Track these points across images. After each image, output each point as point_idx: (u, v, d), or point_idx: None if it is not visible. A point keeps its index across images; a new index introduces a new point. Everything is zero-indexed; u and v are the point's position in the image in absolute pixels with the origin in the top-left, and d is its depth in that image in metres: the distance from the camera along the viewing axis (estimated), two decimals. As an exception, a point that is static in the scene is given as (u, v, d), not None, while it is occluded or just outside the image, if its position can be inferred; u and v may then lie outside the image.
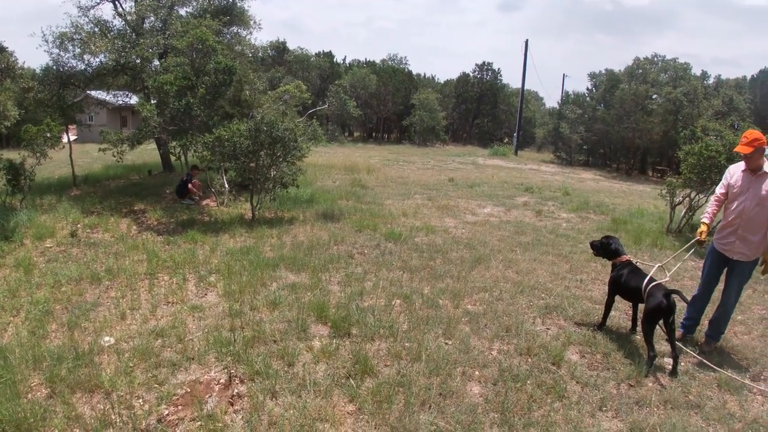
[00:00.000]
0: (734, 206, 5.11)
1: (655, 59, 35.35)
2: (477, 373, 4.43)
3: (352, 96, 41.88)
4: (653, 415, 4.14)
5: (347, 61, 53.31)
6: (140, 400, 3.93)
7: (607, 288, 5.58)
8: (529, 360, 4.73)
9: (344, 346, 4.67)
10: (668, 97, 31.28)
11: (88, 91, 17.20)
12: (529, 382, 4.35)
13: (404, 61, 56.61)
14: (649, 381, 4.65)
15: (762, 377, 5.12)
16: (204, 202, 11.47)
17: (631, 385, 4.53)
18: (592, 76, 38.27)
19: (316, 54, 47.43)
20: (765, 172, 4.89)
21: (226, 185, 11.60)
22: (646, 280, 4.95)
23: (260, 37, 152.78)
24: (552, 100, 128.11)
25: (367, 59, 53.23)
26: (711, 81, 37.80)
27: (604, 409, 4.15)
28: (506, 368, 4.50)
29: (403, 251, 7.70)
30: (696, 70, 35.27)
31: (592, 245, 5.65)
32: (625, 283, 5.20)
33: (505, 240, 8.85)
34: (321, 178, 15.34)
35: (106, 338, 4.91)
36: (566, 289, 6.66)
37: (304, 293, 5.90)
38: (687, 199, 10.59)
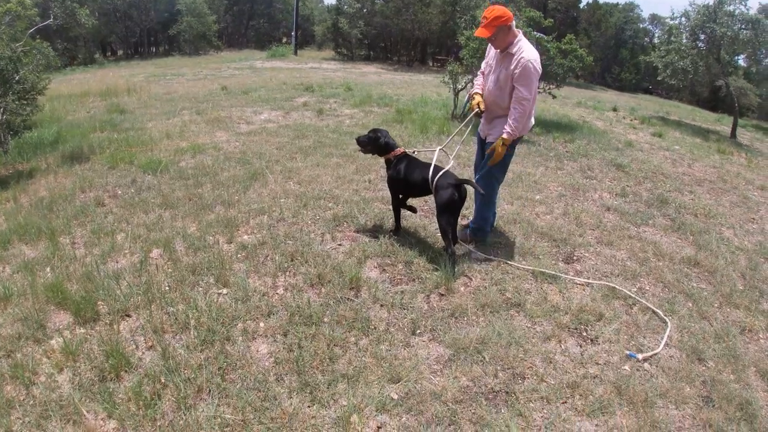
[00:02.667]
0: (487, 84, 4.57)
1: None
2: (262, 325, 3.54)
3: (108, 8, 36.25)
4: (473, 325, 3.65)
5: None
6: None
7: (388, 188, 4.89)
8: (323, 291, 3.96)
9: (92, 336, 3.43)
10: None
11: None
12: (326, 320, 3.59)
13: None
14: (460, 284, 4.18)
15: (574, 257, 4.94)
16: None
17: (442, 294, 4.02)
18: None
19: None
20: (510, 53, 4.23)
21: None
22: (431, 171, 4.31)
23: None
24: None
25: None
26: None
27: (419, 332, 3.58)
28: (296, 310, 3.67)
29: (164, 183, 6.30)
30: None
31: (359, 141, 4.80)
32: (406, 178, 4.54)
33: (284, 147, 7.83)
34: (73, 110, 12.66)
35: None
36: (355, 193, 5.96)
37: (41, 271, 4.44)
38: (470, 84, 10.50)
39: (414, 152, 4.83)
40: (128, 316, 3.65)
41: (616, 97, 24.94)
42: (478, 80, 4.73)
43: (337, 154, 7.46)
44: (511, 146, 4.53)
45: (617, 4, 45.44)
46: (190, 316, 3.54)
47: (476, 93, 4.65)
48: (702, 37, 15.84)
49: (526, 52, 4.15)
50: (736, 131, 15.93)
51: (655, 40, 45.49)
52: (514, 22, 4.22)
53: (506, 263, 4.61)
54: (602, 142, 10.22)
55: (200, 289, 3.92)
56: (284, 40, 47.45)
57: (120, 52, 44.04)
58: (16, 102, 8.37)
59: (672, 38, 17.41)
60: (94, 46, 37.80)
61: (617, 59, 38.57)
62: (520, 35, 4.26)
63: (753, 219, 7.14)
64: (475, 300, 3.99)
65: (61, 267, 4.39)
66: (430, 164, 4.41)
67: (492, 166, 4.56)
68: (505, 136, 4.25)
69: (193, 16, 38.28)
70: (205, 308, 3.62)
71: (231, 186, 6.06)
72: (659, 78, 18.30)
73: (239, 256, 4.44)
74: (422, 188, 4.53)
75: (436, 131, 9.26)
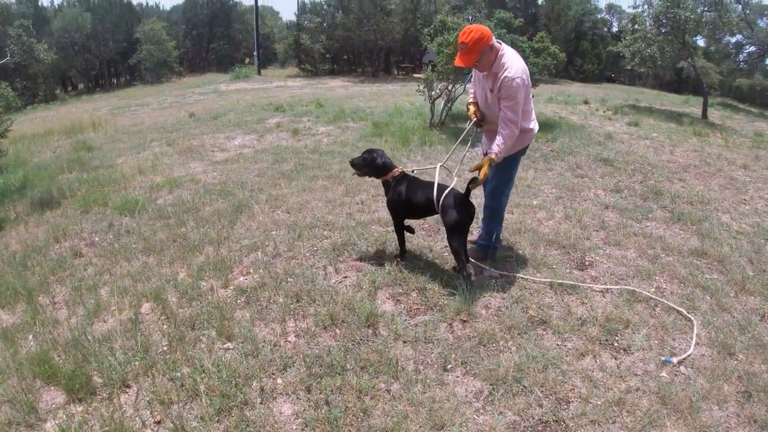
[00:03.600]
0: (477, 95, 4.29)
1: (386, -40, 34.76)
2: (279, 381, 3.15)
3: (67, 41, 35.25)
4: (504, 351, 3.39)
5: (56, 3, 44.59)
6: None
7: (389, 212, 4.55)
8: (338, 333, 3.60)
9: (92, 415, 2.98)
10: None
11: None
12: (349, 367, 3.22)
13: (120, -9, 48.88)
14: (480, 308, 3.90)
15: (587, 263, 4.71)
16: None
17: (464, 321, 3.73)
18: None
19: (17, 1, 38.66)
20: (493, 72, 3.89)
21: None
22: (436, 191, 4.00)
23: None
24: (288, 13, 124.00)
25: (78, -5, 44.91)
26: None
27: (450, 367, 3.27)
28: (314, 359, 3.30)
29: (144, 224, 5.82)
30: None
31: (354, 164, 4.46)
32: (409, 199, 4.22)
33: (265, 173, 7.39)
34: (38, 151, 12.00)
35: None
36: (349, 217, 5.61)
37: (23, 340, 3.98)
38: (446, 91, 10.28)
39: (413, 171, 4.52)
40: (128, 387, 3.22)
41: (583, 89, 24.98)
42: (472, 88, 4.44)
43: (322, 176, 7.10)
44: (513, 160, 4.26)
45: (574, -5, 45.94)
46: (198, 380, 3.13)
47: (471, 102, 4.36)
48: (664, 21, 15.88)
49: (510, 68, 3.81)
50: (707, 111, 15.99)
51: (614, 29, 46.22)
52: (494, 37, 3.92)
53: (522, 278, 4.35)
54: (583, 137, 10.07)
55: (203, 345, 3.52)
56: (246, 60, 46.79)
57: (81, 86, 42.93)
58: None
59: (636, 26, 17.51)
60: (54, 82, 36.76)
61: (579, 51, 38.83)
62: (502, 48, 3.92)
63: (744, 200, 7.10)
64: (499, 323, 3.72)
65: (44, 333, 3.94)
66: (433, 183, 4.09)
67: (498, 180, 4.28)
68: (492, 155, 3.90)
69: (152, 43, 37.56)
70: (213, 369, 3.22)
71: (216, 222, 5.64)
72: (628, 67, 18.38)
73: (239, 302, 4.04)
74: (426, 209, 4.24)
75: (417, 142, 8.97)
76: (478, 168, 3.91)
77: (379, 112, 12.61)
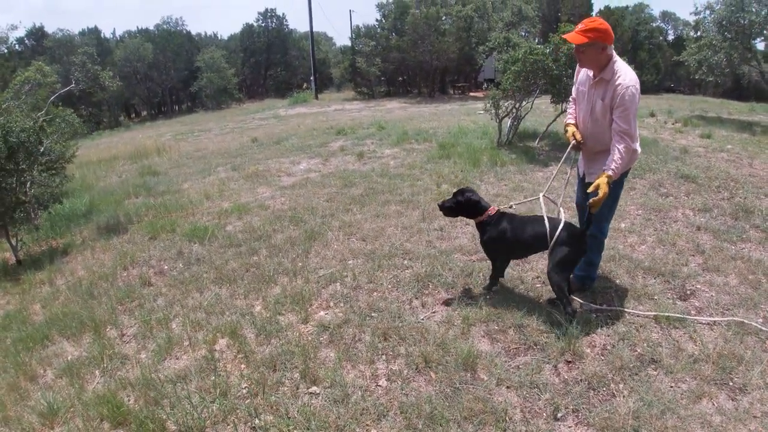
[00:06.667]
0: (580, 114, 3.90)
1: (437, -21, 34.98)
2: (374, 433, 2.78)
3: (129, 70, 36.88)
4: (616, 395, 3.00)
5: (118, 34, 46.97)
6: None
7: (485, 252, 4.16)
8: (433, 376, 3.21)
9: None
10: (459, 15, 31.60)
11: None
12: (450, 418, 2.84)
13: (181, 23, 51.15)
14: (585, 346, 3.47)
15: (688, 292, 4.20)
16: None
17: (570, 362, 3.31)
18: (380, 6, 37.02)
19: (80, 33, 40.91)
20: (605, 79, 3.55)
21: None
22: (548, 226, 3.62)
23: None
24: (343, 38, 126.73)
25: (140, 27, 47.23)
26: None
27: (561, 416, 2.87)
28: (411, 408, 2.93)
29: (214, 252, 5.64)
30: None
31: (444, 208, 4.07)
32: (516, 238, 3.84)
33: (335, 198, 7.14)
34: (103, 176, 12.29)
35: None
36: (429, 245, 5.23)
37: (88, 376, 3.78)
38: (513, 109, 9.90)
39: (511, 206, 4.14)
40: (204, 436, 2.92)
41: (644, 101, 23.90)
42: (571, 108, 4.06)
43: (394, 201, 6.78)
44: (619, 181, 3.81)
45: (627, 6, 44.83)
46: (284, 430, 2.80)
47: (569, 123, 3.96)
48: (728, 26, 15.07)
49: (624, 76, 3.47)
50: (777, 118, 14.98)
51: (670, 37, 44.70)
52: (612, 46, 3.54)
53: (625, 312, 3.90)
54: (658, 152, 9.42)
55: (286, 389, 3.19)
56: (304, 85, 47.77)
57: (144, 113, 44.85)
58: (44, 174, 7.92)
59: (700, 33, 16.72)
60: (118, 109, 38.52)
61: (636, 62, 37.62)
62: (615, 56, 3.57)
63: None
64: (608, 363, 3.29)
65: (111, 369, 3.74)
66: (542, 218, 3.72)
67: (603, 204, 3.82)
68: (609, 173, 3.49)
69: (212, 71, 38.84)
70: (300, 417, 2.88)
71: (289, 250, 5.38)
72: (697, 77, 17.49)
73: (322, 339, 3.72)
74: (535, 247, 3.87)
75: (487, 162, 8.56)
76: (596, 187, 3.50)
77: (442, 132, 12.25)
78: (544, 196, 3.92)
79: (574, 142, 3.84)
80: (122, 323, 4.46)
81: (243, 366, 3.50)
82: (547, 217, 3.68)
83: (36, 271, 6.26)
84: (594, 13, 42.09)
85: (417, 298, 4.22)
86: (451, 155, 9.30)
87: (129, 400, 3.33)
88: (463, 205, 3.97)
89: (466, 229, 5.56)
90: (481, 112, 10.50)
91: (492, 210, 3.94)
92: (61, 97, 13.89)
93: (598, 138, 3.75)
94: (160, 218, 7.20)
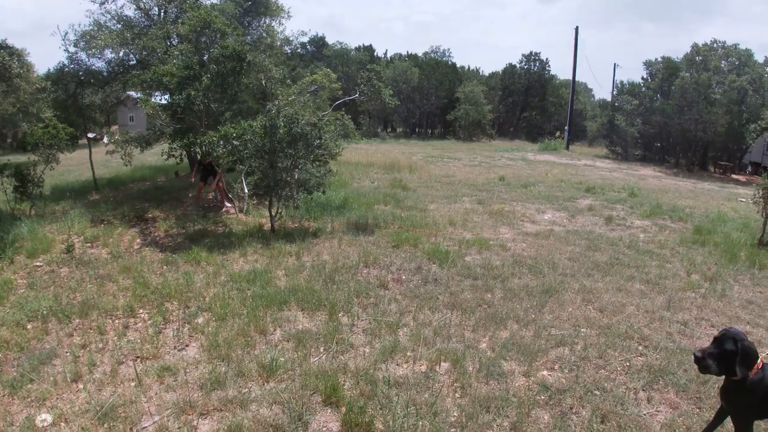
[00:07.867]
0: None
1: (715, 45, 31.92)
2: None
3: (394, 90, 40.03)
4: None
5: (388, 55, 51.33)
6: None
7: (737, 414, 2.98)
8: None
9: None
10: (732, 86, 28.13)
11: (128, 92, 15.88)
12: None
13: (447, 54, 54.04)
14: None
15: None
16: (223, 209, 9.86)
17: None
18: (648, 64, 34.72)
19: (356, 48, 45.67)
20: None
21: (246, 189, 9.72)
22: None
23: (293, 27, 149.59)
24: (602, 92, 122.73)
25: (409, 52, 51.05)
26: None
27: None
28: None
29: (451, 278, 5.82)
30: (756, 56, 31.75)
31: (700, 361, 2.84)
32: None
33: (577, 259, 6.87)
34: (358, 177, 13.57)
35: (43, 416, 3.49)
36: (668, 337, 4.74)
37: (313, 349, 4.19)
38: None
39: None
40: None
41: None
42: None
43: (639, 279, 6.28)
44: None
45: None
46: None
47: None
48: None
49: None
50: None
51: None
52: None
53: None
54: None
55: (493, 433, 3.16)
56: (557, 134, 46.99)
57: (399, 130, 48.07)
58: (315, 163, 8.90)
59: None
60: (378, 122, 41.70)
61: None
62: None
63: None
64: None
65: (336, 351, 4.07)
66: None
67: None
68: None
69: (470, 104, 40.20)
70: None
71: (524, 298, 5.32)
72: None
73: (539, 399, 3.59)
74: None
75: (745, 261, 7.36)
76: None
77: (698, 214, 11.00)
78: None
79: None
80: (355, 314, 4.83)
81: (458, 395, 3.54)
82: None
83: (285, 244, 7.13)
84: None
85: (644, 390, 3.85)
86: (706, 243, 8.32)
87: (345, 386, 3.58)
88: (731, 355, 2.77)
89: (711, 332, 4.92)
90: (743, 199, 9.14)
91: (760, 362, 2.82)
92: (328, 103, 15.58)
93: None
94: (404, 231, 7.69)
